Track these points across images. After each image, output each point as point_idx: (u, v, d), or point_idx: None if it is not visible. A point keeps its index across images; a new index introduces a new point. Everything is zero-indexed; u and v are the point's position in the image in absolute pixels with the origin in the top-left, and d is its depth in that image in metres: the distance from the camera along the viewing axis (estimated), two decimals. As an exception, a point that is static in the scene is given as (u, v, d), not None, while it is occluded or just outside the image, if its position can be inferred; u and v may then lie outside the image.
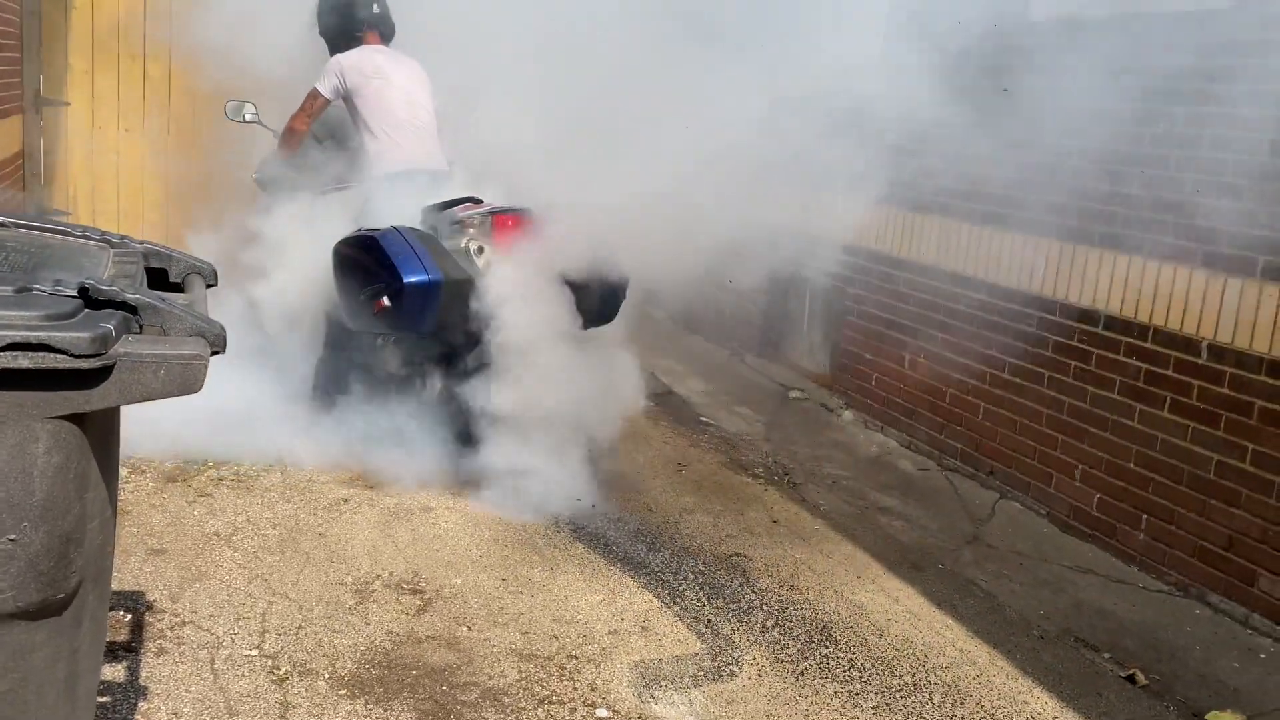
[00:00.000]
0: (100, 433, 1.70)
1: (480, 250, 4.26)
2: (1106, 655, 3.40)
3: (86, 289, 1.61)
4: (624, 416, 5.31)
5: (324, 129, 5.15)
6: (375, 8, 4.90)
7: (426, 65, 5.03)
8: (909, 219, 5.28)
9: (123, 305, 1.63)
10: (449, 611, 3.28)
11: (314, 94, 4.76)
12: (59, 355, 1.49)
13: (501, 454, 4.38)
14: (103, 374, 1.56)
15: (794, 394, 6.03)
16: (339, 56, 4.75)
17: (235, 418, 4.55)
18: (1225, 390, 3.71)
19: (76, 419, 1.58)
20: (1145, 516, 4.00)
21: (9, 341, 1.46)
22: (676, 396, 5.81)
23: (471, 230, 4.32)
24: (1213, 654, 3.45)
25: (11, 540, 1.56)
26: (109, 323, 1.55)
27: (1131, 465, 4.06)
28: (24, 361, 1.48)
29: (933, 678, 3.15)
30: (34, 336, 1.48)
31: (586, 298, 4.45)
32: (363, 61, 4.72)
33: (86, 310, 1.59)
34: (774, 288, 6.63)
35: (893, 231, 5.40)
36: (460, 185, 4.73)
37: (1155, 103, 3.98)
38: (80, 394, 1.56)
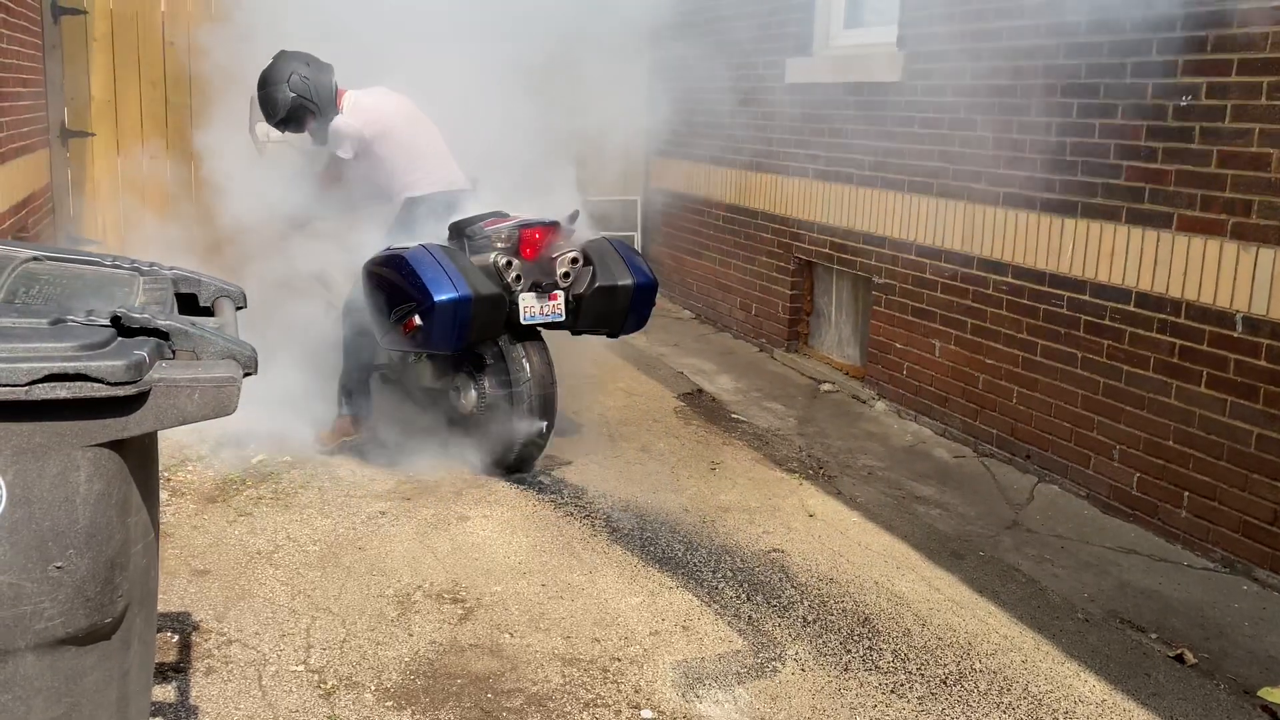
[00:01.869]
0: (139, 458, 1.73)
1: (508, 264, 4.28)
2: (1153, 635, 3.36)
3: (119, 317, 1.64)
4: (656, 417, 5.33)
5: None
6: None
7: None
8: (934, 204, 5.25)
9: (155, 332, 1.66)
10: (490, 619, 3.30)
11: (337, 160, 4.73)
12: (95, 384, 1.52)
13: (537, 462, 4.41)
14: (139, 400, 1.59)
15: (825, 387, 6.01)
16: (343, 121, 4.62)
17: (268, 436, 4.61)
18: (1263, 362, 3.66)
19: (115, 445, 1.61)
20: (1187, 494, 3.96)
21: (47, 373, 1.49)
22: (706, 394, 5.80)
23: (499, 245, 4.34)
24: (1261, 630, 3.40)
25: (58, 568, 1.59)
26: (142, 349, 1.58)
27: (1170, 443, 4.01)
28: (62, 392, 1.51)
29: (978, 665, 3.13)
30: (70, 367, 1.51)
31: (615, 304, 4.47)
32: (367, 113, 4.67)
33: (120, 338, 1.62)
34: (799, 281, 6.61)
35: (918, 219, 5.37)
36: (485, 202, 4.75)
37: (1175, 74, 3.94)
38: (118, 421, 1.59)
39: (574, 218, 4.56)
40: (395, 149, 4.67)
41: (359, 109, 4.69)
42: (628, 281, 4.45)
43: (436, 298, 4.01)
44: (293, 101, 4.65)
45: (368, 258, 4.41)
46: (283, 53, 4.73)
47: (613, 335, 4.69)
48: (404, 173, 4.67)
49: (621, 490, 4.35)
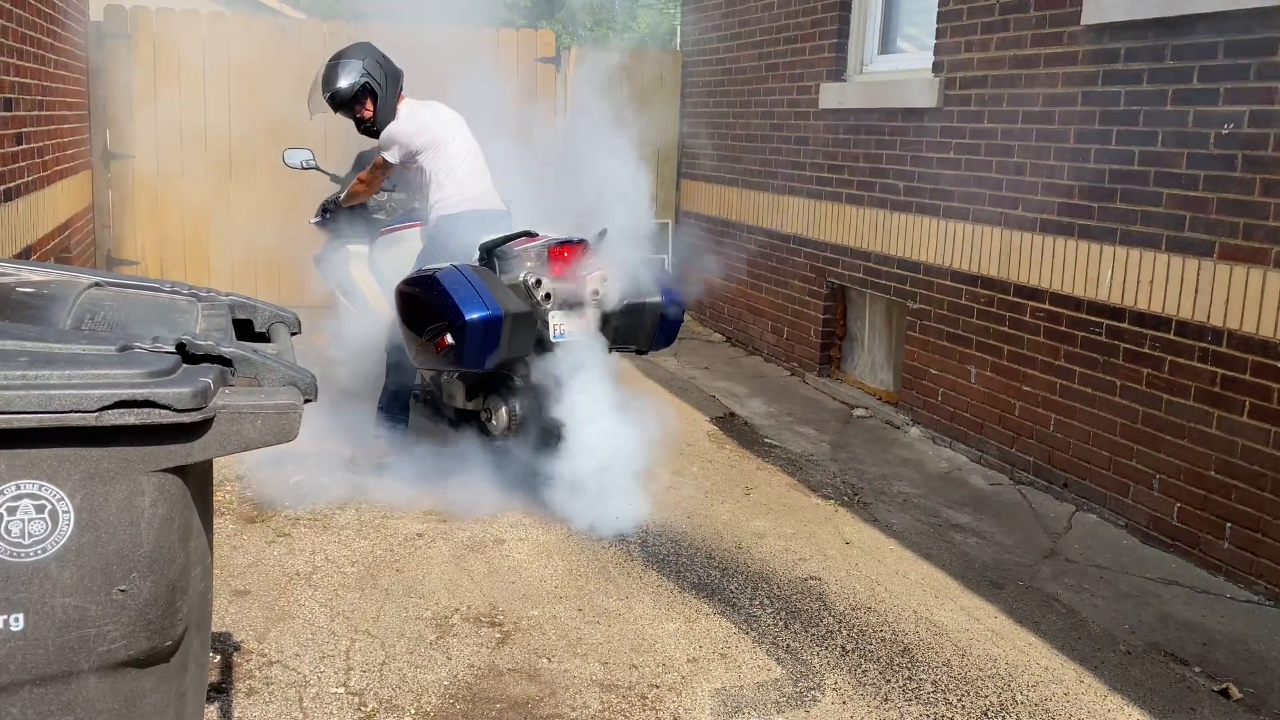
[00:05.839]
0: (199, 482, 1.75)
1: (538, 283, 4.31)
2: (1197, 669, 3.32)
3: (184, 344, 1.66)
4: (689, 441, 5.33)
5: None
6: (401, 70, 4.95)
7: None
8: (970, 230, 5.24)
9: (218, 359, 1.68)
10: (528, 643, 3.30)
11: (384, 164, 4.83)
12: (163, 411, 1.54)
13: (570, 484, 4.41)
14: (203, 427, 1.61)
15: (858, 412, 5.99)
16: (397, 126, 4.75)
17: (305, 456, 4.64)
18: (1307, 393, 3.62)
19: (179, 471, 1.64)
20: (1229, 525, 3.91)
21: (116, 399, 1.52)
22: (739, 419, 5.80)
23: (529, 264, 4.37)
24: (1308, 665, 3.36)
25: (122, 591, 1.61)
26: (207, 376, 1.61)
27: (1212, 473, 3.97)
28: (130, 418, 1.53)
29: (1019, 697, 3.10)
30: (139, 394, 1.53)
31: (643, 321, 4.49)
32: (421, 123, 4.77)
33: (185, 365, 1.64)
34: (832, 305, 6.61)
35: (954, 244, 5.36)
36: (518, 223, 4.80)
37: (1217, 102, 3.92)
38: (182, 447, 1.61)
39: (602, 236, 4.59)
40: (439, 163, 4.75)
41: (414, 118, 4.80)
42: (656, 299, 4.48)
43: (468, 316, 4.04)
44: (362, 82, 4.77)
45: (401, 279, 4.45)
46: (365, 43, 4.90)
47: (641, 352, 4.71)
48: (440, 188, 4.73)
49: (656, 515, 4.35)
